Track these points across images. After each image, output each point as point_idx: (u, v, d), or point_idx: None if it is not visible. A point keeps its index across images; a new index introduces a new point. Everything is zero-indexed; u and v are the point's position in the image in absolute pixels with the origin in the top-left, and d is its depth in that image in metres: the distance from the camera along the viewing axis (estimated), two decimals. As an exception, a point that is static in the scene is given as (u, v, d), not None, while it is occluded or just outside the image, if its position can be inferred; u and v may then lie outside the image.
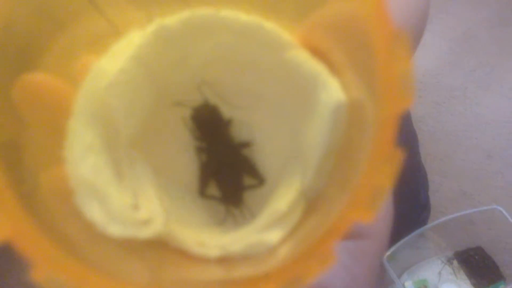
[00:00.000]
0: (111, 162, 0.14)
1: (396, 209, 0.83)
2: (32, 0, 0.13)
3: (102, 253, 0.12)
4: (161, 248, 0.13)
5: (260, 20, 0.15)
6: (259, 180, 0.17)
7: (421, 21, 0.43)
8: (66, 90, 0.14)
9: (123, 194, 0.14)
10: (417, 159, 1.03)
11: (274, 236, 0.13)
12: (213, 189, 0.17)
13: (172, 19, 0.15)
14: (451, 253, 1.03)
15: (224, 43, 0.16)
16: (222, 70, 0.17)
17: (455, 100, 1.38)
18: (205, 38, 0.16)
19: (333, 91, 0.15)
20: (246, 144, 0.17)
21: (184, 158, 0.17)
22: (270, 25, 0.15)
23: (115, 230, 0.13)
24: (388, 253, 0.93)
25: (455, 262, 1.02)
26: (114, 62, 0.14)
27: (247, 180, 0.17)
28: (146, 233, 0.13)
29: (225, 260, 0.14)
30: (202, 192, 0.17)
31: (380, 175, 0.11)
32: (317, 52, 0.15)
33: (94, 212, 0.13)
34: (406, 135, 1.03)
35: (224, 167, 0.17)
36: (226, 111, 0.17)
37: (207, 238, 0.14)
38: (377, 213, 0.15)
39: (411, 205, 0.98)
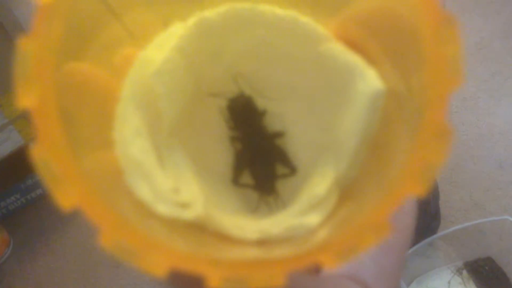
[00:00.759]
0: (153, 147, 0.14)
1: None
2: None
3: (150, 229, 0.13)
4: (200, 231, 0.14)
5: (295, 14, 0.16)
6: (291, 169, 0.17)
7: None
8: (109, 79, 0.15)
9: (166, 177, 0.14)
10: (428, 168, 1.03)
11: (313, 219, 0.14)
12: (246, 178, 0.17)
13: (212, 12, 0.16)
14: (461, 263, 1.02)
15: (260, 36, 0.16)
16: (258, 62, 0.17)
17: (467, 109, 1.37)
18: (242, 31, 0.16)
19: (371, 80, 0.15)
20: (279, 135, 0.18)
21: (219, 147, 0.18)
22: (305, 19, 0.16)
23: (161, 209, 0.13)
24: (397, 261, 0.93)
25: (464, 272, 1.02)
26: (159, 51, 0.15)
27: (280, 169, 0.17)
28: (187, 215, 0.14)
29: (264, 242, 0.14)
30: (236, 180, 0.17)
31: (432, 150, 0.11)
32: (353, 44, 0.15)
33: (142, 191, 0.14)
34: None
35: (258, 156, 0.17)
36: (260, 102, 0.17)
37: (244, 223, 0.15)
38: (403, 206, 0.16)
39: (421, 214, 0.98)
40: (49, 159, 0.11)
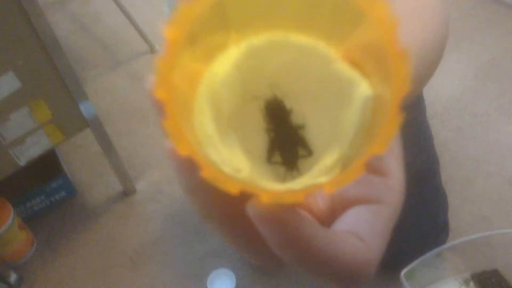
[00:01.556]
0: (217, 131, 0.22)
1: (415, 228, 0.87)
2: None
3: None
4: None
5: (315, 42, 0.24)
6: (309, 152, 0.25)
7: (438, 45, 0.47)
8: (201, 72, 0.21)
9: (226, 151, 0.22)
10: (437, 181, 1.06)
11: (322, 179, 0.21)
12: (277, 157, 0.25)
13: (257, 40, 0.24)
14: (468, 274, 1.05)
15: (290, 57, 0.24)
16: (288, 75, 0.25)
17: (477, 126, 1.40)
18: (278, 54, 0.24)
19: (363, 89, 0.23)
20: (300, 127, 0.25)
21: (258, 135, 0.25)
22: (322, 45, 0.24)
23: (225, 169, 0.21)
24: (406, 270, 0.96)
25: (471, 284, 1.04)
26: (222, 67, 0.23)
27: (301, 152, 0.25)
28: (239, 176, 0.21)
29: None
30: (269, 159, 0.25)
31: (390, 127, 0.20)
32: (353, 63, 0.22)
33: (213, 156, 0.21)
34: (428, 158, 1.07)
35: (285, 142, 0.25)
36: (288, 104, 0.25)
37: (275, 186, 0.23)
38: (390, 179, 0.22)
39: (430, 224, 1.01)
40: (174, 127, 0.19)
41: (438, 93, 1.47)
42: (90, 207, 1.41)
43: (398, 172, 0.28)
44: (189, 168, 0.21)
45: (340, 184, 0.20)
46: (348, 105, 0.23)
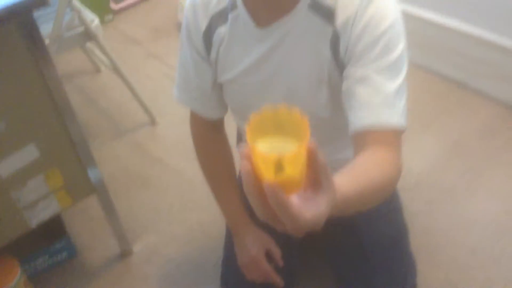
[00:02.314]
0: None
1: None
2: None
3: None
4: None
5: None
6: None
7: (388, 184, 0.74)
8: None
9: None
10: (406, 248, 1.19)
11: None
12: None
13: (267, 140, 0.49)
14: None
15: (281, 142, 0.49)
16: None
17: (445, 200, 1.55)
18: (278, 145, 0.49)
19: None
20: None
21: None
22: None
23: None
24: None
25: None
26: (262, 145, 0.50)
27: None
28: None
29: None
30: None
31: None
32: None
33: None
34: (398, 227, 1.20)
35: None
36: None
37: None
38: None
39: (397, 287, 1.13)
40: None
41: (411, 168, 1.63)
42: (89, 267, 1.51)
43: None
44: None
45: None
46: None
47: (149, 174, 1.76)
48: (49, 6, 0.98)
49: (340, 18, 0.80)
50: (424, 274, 1.28)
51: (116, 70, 1.81)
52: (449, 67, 1.96)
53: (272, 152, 0.46)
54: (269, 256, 1.12)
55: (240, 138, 1.21)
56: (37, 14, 1.01)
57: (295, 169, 0.48)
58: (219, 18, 0.90)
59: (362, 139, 0.78)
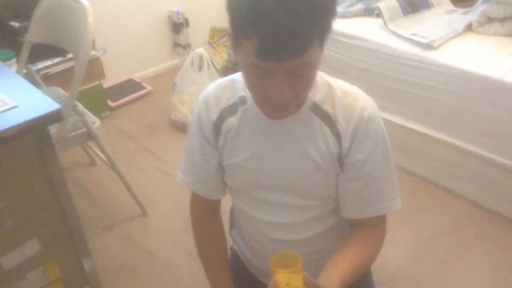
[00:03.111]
0: None
1: None
2: None
3: None
4: None
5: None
6: None
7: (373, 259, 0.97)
8: None
9: None
10: None
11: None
12: None
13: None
14: None
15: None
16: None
17: (420, 291, 1.65)
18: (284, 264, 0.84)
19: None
20: None
21: None
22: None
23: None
24: None
25: None
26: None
27: None
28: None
29: None
30: None
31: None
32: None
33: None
34: None
35: None
36: None
37: None
38: None
39: None
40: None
41: (387, 262, 1.74)
42: None
43: None
44: None
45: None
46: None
47: (138, 265, 1.83)
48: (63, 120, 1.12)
49: (341, 124, 0.96)
50: None
51: (112, 165, 1.94)
52: (421, 168, 2.14)
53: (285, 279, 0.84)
54: None
55: (232, 224, 1.30)
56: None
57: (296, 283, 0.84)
58: (229, 110, 1.02)
59: (359, 221, 1.04)
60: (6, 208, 1.20)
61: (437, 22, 2.15)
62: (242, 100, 1.01)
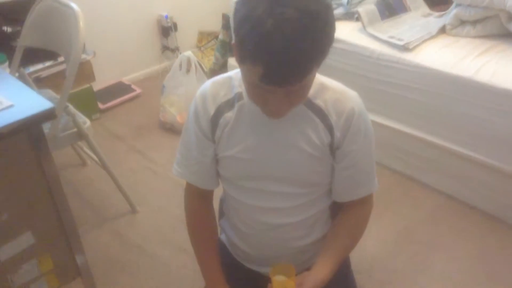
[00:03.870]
0: None
1: None
2: None
3: None
4: None
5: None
6: None
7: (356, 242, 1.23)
8: None
9: None
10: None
11: None
12: None
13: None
14: None
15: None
16: None
17: (397, 280, 1.74)
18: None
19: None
20: None
21: None
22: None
23: None
24: None
25: None
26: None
27: None
28: None
29: None
30: None
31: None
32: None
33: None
34: None
35: None
36: None
37: None
38: None
39: None
40: None
41: (365, 252, 1.83)
42: None
43: None
44: None
45: None
46: None
47: (127, 259, 1.90)
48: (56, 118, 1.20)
49: (332, 117, 1.06)
50: None
51: (103, 164, 2.01)
52: (399, 163, 2.24)
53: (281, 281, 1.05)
54: None
55: (222, 214, 1.38)
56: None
57: None
58: (226, 106, 1.10)
59: (350, 202, 1.18)
60: (1, 203, 1.27)
61: (413, 25, 2.25)
62: (239, 96, 1.09)
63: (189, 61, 2.62)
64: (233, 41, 0.93)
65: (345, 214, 1.20)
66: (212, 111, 1.12)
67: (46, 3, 1.85)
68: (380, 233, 1.93)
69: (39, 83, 2.33)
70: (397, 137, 2.17)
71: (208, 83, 1.15)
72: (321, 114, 1.07)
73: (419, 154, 2.13)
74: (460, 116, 1.92)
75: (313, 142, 1.08)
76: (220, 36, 2.91)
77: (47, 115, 1.18)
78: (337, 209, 1.25)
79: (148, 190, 2.26)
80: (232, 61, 2.87)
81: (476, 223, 1.96)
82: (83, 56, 2.56)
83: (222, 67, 2.94)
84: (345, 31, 2.27)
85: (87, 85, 2.67)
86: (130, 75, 3.18)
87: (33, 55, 2.23)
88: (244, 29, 0.85)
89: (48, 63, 2.43)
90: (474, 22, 2.10)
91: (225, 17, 2.86)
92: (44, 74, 2.41)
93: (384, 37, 2.14)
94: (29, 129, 1.20)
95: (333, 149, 1.09)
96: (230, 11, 2.63)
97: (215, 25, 3.22)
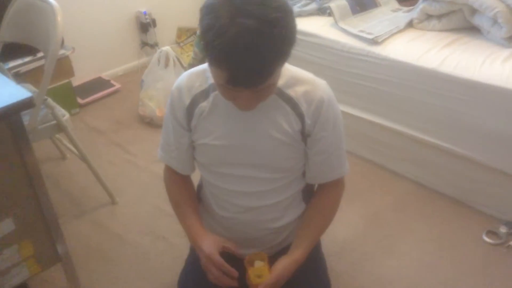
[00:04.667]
0: None
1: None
2: None
3: None
4: None
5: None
6: None
7: (330, 221, 1.33)
8: None
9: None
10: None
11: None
12: None
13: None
14: None
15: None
16: None
17: (366, 262, 1.82)
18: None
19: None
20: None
21: None
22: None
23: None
24: None
25: None
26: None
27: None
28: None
29: None
30: None
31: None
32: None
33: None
34: (323, 283, 1.43)
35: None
36: None
37: None
38: None
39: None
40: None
41: (336, 236, 1.91)
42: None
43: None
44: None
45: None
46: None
47: (107, 248, 1.95)
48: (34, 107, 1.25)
49: (303, 105, 1.13)
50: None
51: (82, 156, 2.06)
52: (369, 152, 2.32)
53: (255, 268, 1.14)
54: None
55: (200, 187, 1.44)
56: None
57: (264, 273, 1.13)
58: (201, 96, 1.16)
59: (323, 184, 1.28)
60: (-18, 190, 1.32)
61: (382, 19, 2.34)
62: (213, 87, 1.15)
63: (167, 56, 2.67)
64: None
65: (319, 197, 1.29)
66: (187, 101, 1.18)
67: (24, -1, 1.89)
68: (351, 218, 2.02)
69: (18, 78, 2.36)
70: (368, 127, 2.26)
71: (184, 75, 1.22)
72: (292, 102, 1.14)
73: (389, 143, 2.22)
74: (426, 106, 2.01)
75: (284, 129, 1.15)
76: (199, 32, 2.96)
77: (27, 104, 1.23)
78: (309, 192, 1.33)
79: (128, 182, 2.31)
80: (209, 56, 2.91)
81: (442, 207, 2.05)
82: (62, 51, 2.60)
83: (201, 62, 2.97)
84: (318, 26, 2.35)
85: (66, 80, 2.71)
86: (109, 71, 3.22)
87: (12, 51, 2.26)
88: (209, 37, 0.92)
89: (27, 59, 2.46)
90: (440, 16, 2.19)
91: (202, 13, 2.91)
92: (23, 69, 2.45)
93: (354, 31, 2.22)
94: (9, 118, 1.25)
95: (304, 135, 1.17)
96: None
97: (194, 21, 3.28)
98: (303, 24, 2.37)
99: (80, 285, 1.63)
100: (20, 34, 1.94)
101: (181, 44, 3.45)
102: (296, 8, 2.47)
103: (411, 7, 2.41)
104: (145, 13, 3.18)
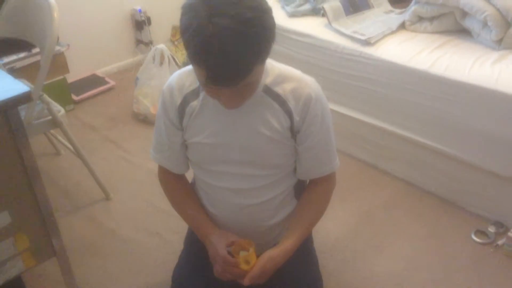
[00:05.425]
0: None
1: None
2: None
3: None
4: None
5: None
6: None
7: (321, 214, 1.34)
8: None
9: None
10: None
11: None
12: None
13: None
14: None
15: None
16: None
17: (357, 259, 1.85)
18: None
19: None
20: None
21: None
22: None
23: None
24: None
25: None
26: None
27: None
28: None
29: None
30: None
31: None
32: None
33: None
34: (314, 278, 1.45)
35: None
36: None
37: None
38: None
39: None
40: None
41: (329, 234, 1.94)
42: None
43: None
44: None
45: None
46: None
47: (101, 243, 1.97)
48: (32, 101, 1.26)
49: (291, 102, 1.14)
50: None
51: (77, 152, 2.07)
52: (361, 152, 2.36)
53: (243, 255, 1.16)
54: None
55: (193, 186, 1.46)
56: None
57: (252, 260, 1.15)
58: (192, 95, 1.18)
59: (314, 180, 1.30)
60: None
61: (375, 21, 2.37)
62: None
63: (162, 54, 2.69)
64: None
65: (310, 192, 1.31)
66: (178, 101, 1.20)
67: (21, -6, 1.90)
68: (342, 216, 2.05)
69: (13, 73, 2.36)
70: (361, 127, 2.29)
71: (175, 75, 1.24)
72: (280, 100, 1.16)
73: (380, 143, 2.25)
74: (417, 106, 2.04)
75: (273, 126, 1.17)
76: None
77: (24, 98, 1.25)
78: (301, 189, 1.35)
79: (122, 178, 2.32)
80: (204, 54, 2.93)
81: (431, 206, 2.09)
82: (57, 48, 2.61)
83: (194, 61, 3.02)
84: (311, 26, 2.38)
85: (61, 77, 2.71)
86: (104, 68, 3.23)
87: (7, 46, 2.27)
88: (187, 35, 0.94)
89: (22, 54, 2.47)
90: (431, 19, 2.23)
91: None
92: (18, 65, 2.46)
93: (347, 32, 2.26)
94: (7, 111, 1.26)
95: (293, 132, 1.19)
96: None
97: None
98: (297, 24, 2.40)
99: (74, 279, 1.65)
100: (16, 29, 1.95)
101: (176, 42, 3.47)
102: (290, 9, 2.50)
103: (403, 9, 2.45)
104: (140, 11, 3.19)
